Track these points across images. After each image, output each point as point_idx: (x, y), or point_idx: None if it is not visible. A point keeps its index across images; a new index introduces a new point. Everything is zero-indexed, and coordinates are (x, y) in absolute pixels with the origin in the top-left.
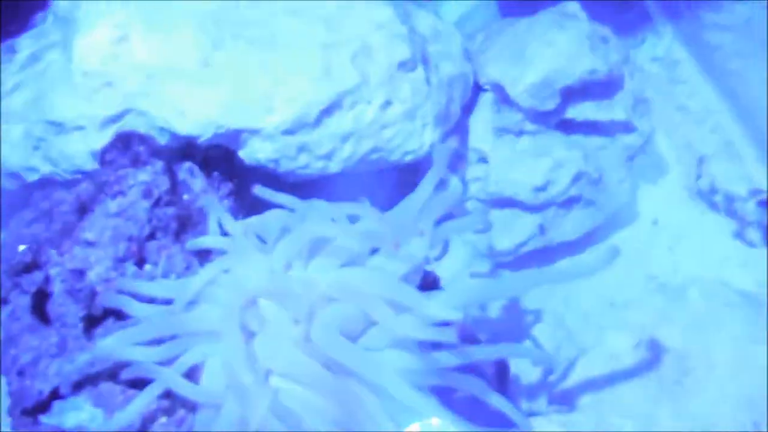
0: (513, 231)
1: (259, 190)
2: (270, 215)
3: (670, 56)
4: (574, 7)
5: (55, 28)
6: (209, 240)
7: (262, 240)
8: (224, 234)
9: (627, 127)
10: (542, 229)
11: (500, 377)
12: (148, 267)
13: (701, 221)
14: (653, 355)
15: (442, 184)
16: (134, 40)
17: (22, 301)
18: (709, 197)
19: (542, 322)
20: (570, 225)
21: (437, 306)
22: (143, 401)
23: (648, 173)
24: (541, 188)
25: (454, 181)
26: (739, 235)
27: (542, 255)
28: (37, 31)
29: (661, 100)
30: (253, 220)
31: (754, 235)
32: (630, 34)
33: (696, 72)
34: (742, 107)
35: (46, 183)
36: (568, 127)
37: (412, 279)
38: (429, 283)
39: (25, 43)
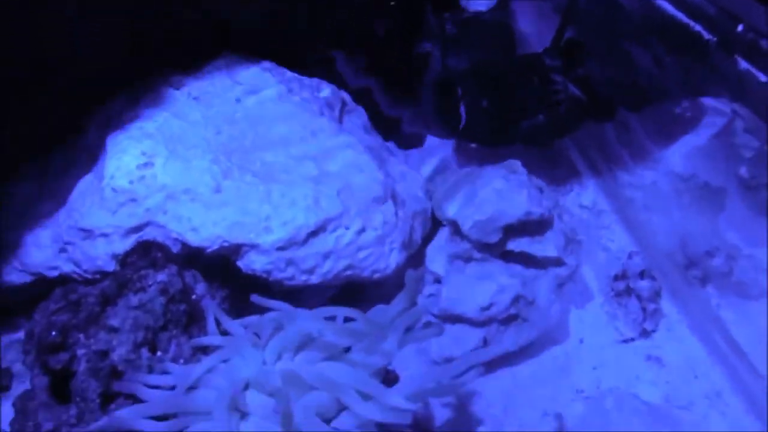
0: (461, 342)
1: (256, 299)
2: (267, 315)
3: (595, 206)
4: (516, 164)
5: (81, 151)
6: (209, 339)
7: (257, 336)
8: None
9: (558, 262)
10: (485, 342)
11: None
12: (159, 353)
13: (620, 344)
14: None
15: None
16: (158, 166)
17: (40, 382)
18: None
19: (484, 425)
20: (509, 339)
21: (397, 397)
22: None
23: (577, 300)
24: (486, 308)
25: (421, 302)
26: (650, 357)
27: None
28: (66, 152)
29: (589, 241)
30: (253, 318)
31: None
32: (561, 184)
33: (615, 220)
34: (649, 248)
35: (64, 280)
36: (509, 257)
37: (379, 373)
38: (391, 380)
39: (56, 160)
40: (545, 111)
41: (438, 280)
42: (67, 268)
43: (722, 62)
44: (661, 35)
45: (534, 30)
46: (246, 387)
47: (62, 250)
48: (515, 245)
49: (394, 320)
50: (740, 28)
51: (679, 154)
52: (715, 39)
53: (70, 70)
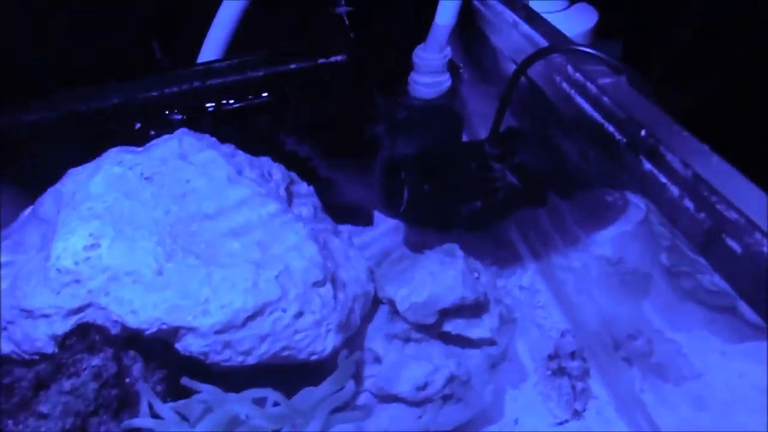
0: (397, 421)
1: (187, 381)
2: (195, 397)
3: (533, 287)
4: (455, 248)
5: (33, 228)
6: (140, 421)
7: (186, 419)
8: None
9: (492, 342)
10: (421, 420)
11: None
12: None
13: (555, 426)
14: None
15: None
16: (104, 247)
17: None
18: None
19: None
20: (444, 418)
21: None
22: None
23: (512, 379)
24: (421, 387)
25: (350, 385)
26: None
27: None
28: (15, 229)
29: (524, 320)
30: (181, 402)
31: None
32: (504, 266)
33: (550, 299)
34: (581, 327)
35: (2, 361)
36: (446, 338)
37: None
38: None
39: (4, 243)
40: (483, 197)
41: (378, 359)
42: (8, 348)
43: (631, 161)
44: (584, 131)
45: (483, 114)
46: None
47: (4, 329)
48: (451, 327)
49: (318, 404)
50: (643, 133)
51: (608, 240)
52: (624, 140)
53: None
